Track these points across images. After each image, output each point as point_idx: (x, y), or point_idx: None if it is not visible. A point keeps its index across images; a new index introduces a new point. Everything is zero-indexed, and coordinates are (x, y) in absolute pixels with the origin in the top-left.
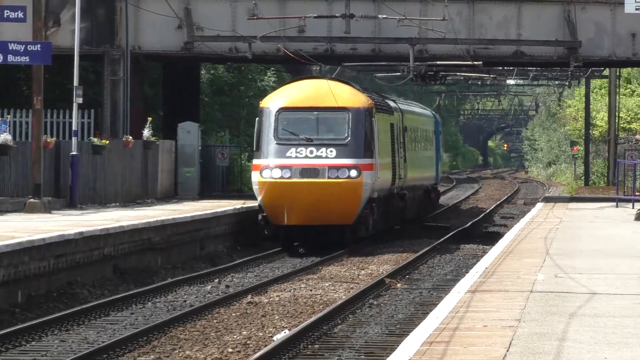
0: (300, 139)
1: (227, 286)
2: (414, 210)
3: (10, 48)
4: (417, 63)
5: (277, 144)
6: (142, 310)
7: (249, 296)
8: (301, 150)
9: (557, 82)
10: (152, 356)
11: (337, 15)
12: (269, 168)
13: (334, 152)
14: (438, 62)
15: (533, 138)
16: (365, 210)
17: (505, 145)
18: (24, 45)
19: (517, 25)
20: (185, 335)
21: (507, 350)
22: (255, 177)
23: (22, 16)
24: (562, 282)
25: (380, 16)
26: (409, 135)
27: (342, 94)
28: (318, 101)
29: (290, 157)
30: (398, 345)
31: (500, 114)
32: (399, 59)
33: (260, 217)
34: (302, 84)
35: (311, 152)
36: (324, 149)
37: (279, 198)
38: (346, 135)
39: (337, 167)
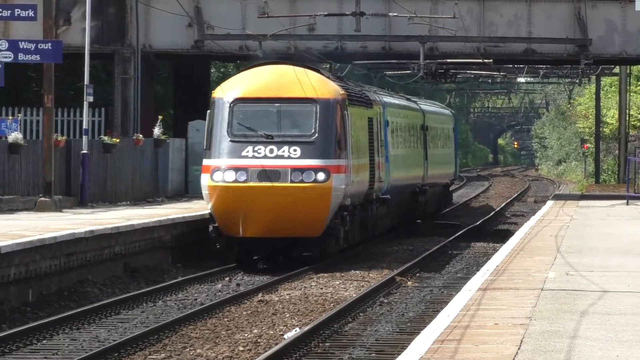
0: (259, 136)
1: (238, 284)
2: (399, 216)
3: (21, 46)
4: (428, 61)
5: (231, 141)
6: (152, 309)
7: (260, 294)
8: (259, 149)
9: (567, 80)
10: (163, 354)
11: (347, 13)
12: (221, 170)
13: (299, 152)
14: (448, 60)
15: (543, 135)
16: (335, 221)
17: (516, 143)
18: (34, 44)
19: (528, 23)
20: (196, 333)
21: (519, 349)
22: (204, 180)
23: (32, 15)
24: (573, 280)
25: (390, 14)
26: (396, 132)
27: (309, 83)
28: (280, 91)
29: (246, 156)
30: (409, 344)
31: (510, 112)
32: (410, 57)
33: (210, 227)
34: (262, 71)
35: (271, 151)
36: (286, 148)
37: (232, 205)
38: (313, 131)
39: (302, 169)
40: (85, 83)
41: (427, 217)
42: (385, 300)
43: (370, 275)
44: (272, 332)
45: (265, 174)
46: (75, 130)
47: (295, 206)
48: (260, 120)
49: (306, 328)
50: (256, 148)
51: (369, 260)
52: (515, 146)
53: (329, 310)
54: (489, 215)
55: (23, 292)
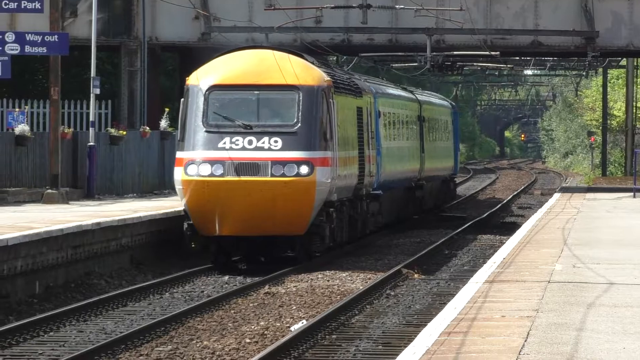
0: (237, 126)
1: (244, 276)
2: (393, 213)
3: (28, 39)
4: (434, 53)
5: (206, 132)
6: (159, 301)
7: (267, 286)
8: (237, 140)
9: (574, 73)
10: (170, 346)
11: (354, 5)
12: (196, 163)
13: (280, 143)
14: (455, 53)
15: (550, 128)
16: (320, 218)
17: (522, 136)
18: (41, 36)
19: (535, 15)
20: (203, 325)
21: (525, 341)
22: (177, 174)
23: (39, 7)
24: (580, 272)
25: (397, 6)
26: (390, 123)
27: (291, 69)
28: (260, 77)
29: (223, 148)
30: (416, 336)
31: (517, 105)
32: (416, 49)
33: (185, 225)
34: (240, 56)
35: (250, 142)
36: (266, 139)
37: (208, 201)
38: (295, 120)
39: (284, 162)
40: (91, 75)
41: (424, 214)
42: (392, 293)
43: (377, 267)
44: (278, 324)
45: (244, 167)
46: (81, 123)
47: (276, 202)
48: (238, 109)
49: (313, 320)
50: (234, 139)
51: (375, 252)
52: (522, 139)
53: (335, 302)
54: (496, 208)
55: (30, 284)
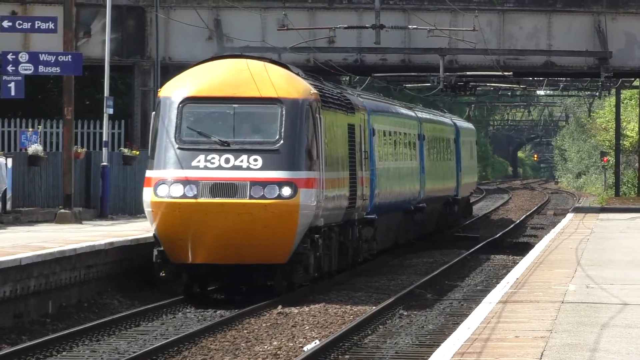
0: (212, 142)
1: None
2: (389, 239)
3: (42, 59)
4: (447, 73)
5: (179, 148)
6: (172, 321)
7: (279, 307)
8: (213, 158)
9: (587, 93)
10: None
11: (367, 25)
12: (167, 183)
13: (260, 162)
14: (468, 73)
15: (563, 148)
16: (303, 245)
17: (535, 156)
18: (54, 56)
19: (548, 36)
20: (216, 345)
21: None
22: (147, 195)
23: (53, 27)
24: (594, 293)
25: (410, 27)
26: (385, 142)
27: (274, 80)
28: (239, 89)
29: (197, 167)
30: (429, 357)
31: (530, 125)
32: (429, 70)
33: (155, 252)
34: (217, 65)
35: (227, 160)
36: (245, 157)
37: (179, 226)
38: (277, 137)
39: (264, 183)
40: (105, 95)
41: (423, 239)
42: (405, 313)
43: (390, 287)
44: (291, 344)
45: (220, 188)
46: (95, 143)
47: (255, 227)
48: (214, 123)
49: (326, 340)
50: (209, 157)
51: (388, 272)
52: (535, 159)
53: (348, 322)
54: (509, 228)
55: (43, 303)
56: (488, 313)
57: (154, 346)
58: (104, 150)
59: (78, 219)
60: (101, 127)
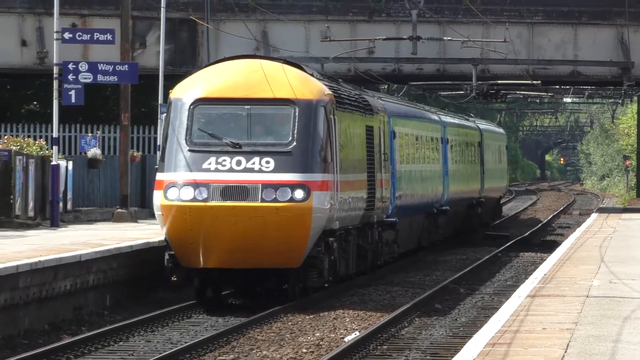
0: (224, 144)
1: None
2: (410, 241)
3: (100, 68)
4: (480, 82)
5: (189, 150)
6: (222, 313)
7: (322, 300)
8: (224, 161)
9: (610, 100)
10: (232, 356)
11: (404, 37)
12: (177, 186)
13: (272, 164)
14: (499, 81)
15: (588, 152)
16: (317, 248)
17: (562, 159)
18: (112, 66)
19: (574, 47)
20: (262, 336)
21: (565, 352)
22: (157, 198)
23: (110, 38)
24: (617, 288)
25: (445, 38)
26: (406, 144)
27: (287, 80)
28: (251, 90)
29: (208, 169)
30: (462, 347)
31: (557, 130)
32: (463, 78)
33: (167, 256)
34: (229, 66)
35: (239, 163)
36: (257, 159)
37: (190, 230)
38: (290, 139)
39: (276, 186)
40: (159, 102)
41: (446, 241)
42: (439, 306)
43: (426, 282)
44: (333, 335)
45: (231, 191)
46: (149, 146)
47: (267, 231)
48: (226, 125)
49: (365, 332)
50: (220, 159)
51: (424, 268)
52: (562, 162)
53: (386, 315)
54: (537, 227)
55: (101, 297)
56: (517, 306)
57: (205, 337)
58: (158, 153)
59: (134, 218)
60: (155, 132)
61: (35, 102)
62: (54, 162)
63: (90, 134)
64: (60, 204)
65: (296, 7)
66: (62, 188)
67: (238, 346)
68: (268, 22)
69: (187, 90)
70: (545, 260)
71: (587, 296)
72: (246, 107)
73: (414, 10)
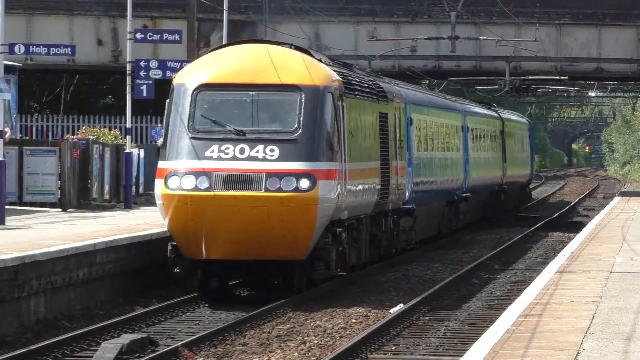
0: (227, 132)
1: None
2: (429, 228)
3: (169, 65)
4: (512, 77)
5: (191, 138)
6: (278, 288)
7: (369, 276)
8: (227, 148)
9: (632, 94)
10: (288, 325)
11: (444, 37)
12: (178, 174)
13: (277, 152)
14: (530, 77)
15: (611, 141)
16: (324, 239)
17: (587, 148)
18: (179, 63)
19: (598, 45)
20: (316, 308)
21: (591, 322)
22: (158, 187)
23: (178, 38)
24: (637, 264)
25: (481, 37)
26: (424, 132)
27: (293, 66)
28: (256, 76)
29: (210, 158)
30: (497, 318)
31: (582, 121)
32: (497, 74)
33: (169, 247)
34: (233, 51)
35: (242, 151)
36: (261, 147)
37: (191, 220)
38: (296, 126)
39: (280, 175)
40: None
41: (467, 227)
42: (476, 281)
43: (463, 259)
44: (380, 307)
45: (234, 180)
46: None
47: (271, 222)
48: (229, 112)
49: (409, 304)
50: (223, 147)
51: (462, 247)
52: (587, 150)
53: (428, 289)
54: (565, 209)
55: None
56: (547, 281)
57: (263, 308)
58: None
59: None
60: None
61: (110, 96)
62: (127, 150)
63: (159, 125)
64: (133, 188)
65: (346, 9)
66: (134, 173)
67: (294, 317)
68: (320, 24)
69: (190, 76)
70: (572, 239)
71: (611, 272)
72: (251, 93)
73: (453, 12)
